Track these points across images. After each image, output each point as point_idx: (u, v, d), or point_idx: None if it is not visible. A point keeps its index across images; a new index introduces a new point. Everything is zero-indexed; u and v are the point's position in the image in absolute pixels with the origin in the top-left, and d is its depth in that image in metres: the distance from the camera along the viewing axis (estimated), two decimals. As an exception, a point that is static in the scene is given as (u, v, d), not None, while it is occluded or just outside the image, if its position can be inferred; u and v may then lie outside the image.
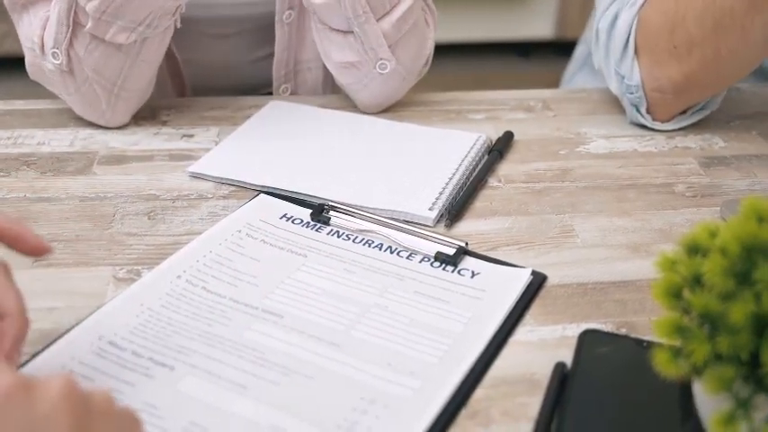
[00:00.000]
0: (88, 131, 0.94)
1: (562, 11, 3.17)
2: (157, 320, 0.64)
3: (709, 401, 0.50)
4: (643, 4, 0.92)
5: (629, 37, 0.93)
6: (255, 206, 0.80)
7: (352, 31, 0.91)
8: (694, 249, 0.51)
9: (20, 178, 0.84)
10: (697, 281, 0.49)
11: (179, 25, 0.90)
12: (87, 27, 0.84)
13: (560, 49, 3.26)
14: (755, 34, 0.85)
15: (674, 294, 0.50)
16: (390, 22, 0.90)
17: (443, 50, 1.01)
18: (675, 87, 0.91)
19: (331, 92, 1.12)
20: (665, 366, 0.48)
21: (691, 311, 0.48)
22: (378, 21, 0.90)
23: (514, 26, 3.26)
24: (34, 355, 0.60)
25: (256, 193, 0.82)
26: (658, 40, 0.90)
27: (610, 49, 0.95)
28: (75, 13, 0.84)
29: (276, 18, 1.02)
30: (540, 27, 3.24)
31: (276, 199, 0.81)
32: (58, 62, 0.87)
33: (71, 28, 0.85)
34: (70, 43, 0.86)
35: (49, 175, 0.85)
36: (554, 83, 1.42)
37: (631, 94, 0.94)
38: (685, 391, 0.54)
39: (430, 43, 0.99)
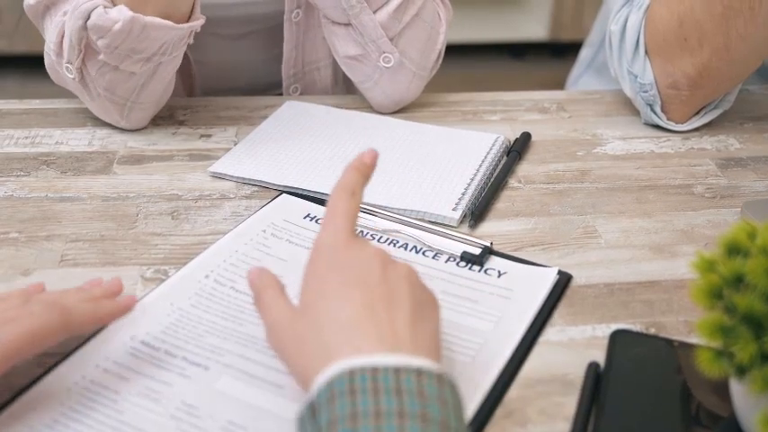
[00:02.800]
0: (106, 131, 0.94)
1: (556, 12, 3.17)
2: (188, 320, 0.64)
3: (749, 401, 0.51)
4: (650, 4, 0.93)
5: (639, 37, 0.93)
6: (278, 206, 0.80)
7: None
8: (734, 250, 0.51)
9: (40, 178, 0.84)
10: (738, 281, 0.50)
11: (191, 41, 0.90)
12: (100, 57, 0.83)
13: (554, 50, 3.28)
14: (764, 14, 0.85)
15: (714, 295, 0.50)
16: (388, 12, 0.90)
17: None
18: (690, 82, 0.92)
19: (342, 92, 1.12)
20: (709, 366, 0.49)
21: (733, 312, 0.49)
22: (375, 12, 0.90)
23: (509, 27, 3.27)
24: (67, 355, 0.60)
25: (278, 192, 0.82)
26: (668, 35, 0.91)
27: (622, 51, 0.96)
28: (88, 39, 0.83)
29: (285, 17, 1.02)
30: (534, 28, 3.25)
31: (299, 199, 0.81)
32: (71, 76, 0.87)
33: (83, 51, 0.84)
34: (83, 62, 0.85)
35: (70, 174, 0.85)
36: (549, 84, 1.43)
37: (645, 92, 0.95)
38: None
39: (441, 38, 0.98)
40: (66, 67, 0.86)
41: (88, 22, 0.81)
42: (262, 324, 0.56)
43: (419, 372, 0.47)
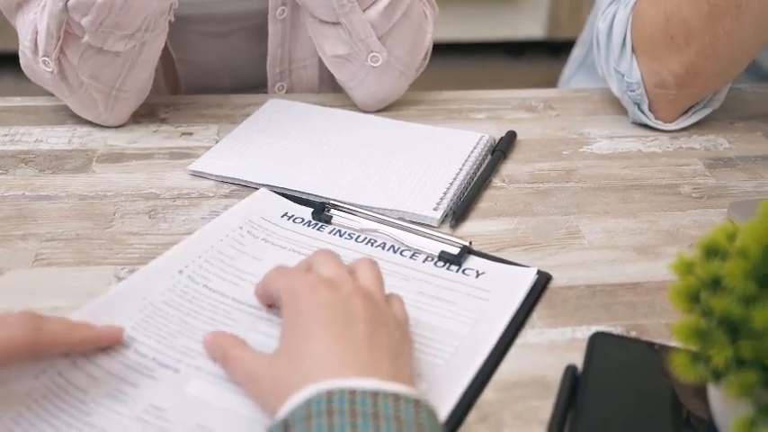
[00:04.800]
0: (86, 129, 0.92)
1: (553, 11, 3.17)
2: (160, 318, 0.63)
3: (726, 406, 0.50)
4: (637, 1, 0.92)
5: (626, 35, 0.92)
6: (257, 201, 0.79)
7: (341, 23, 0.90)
8: (713, 252, 0.50)
9: (18, 176, 0.83)
10: (716, 284, 0.49)
11: (172, 20, 0.89)
12: (84, 39, 0.82)
13: (551, 49, 3.27)
14: (751, 12, 0.84)
15: (692, 298, 0.49)
16: (378, 11, 0.89)
17: (434, 50, 1.00)
18: (677, 80, 0.90)
19: (328, 90, 1.11)
20: (684, 371, 0.48)
21: (710, 315, 0.48)
22: (364, 11, 0.89)
23: (505, 26, 3.26)
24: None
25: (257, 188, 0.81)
26: (654, 33, 0.89)
27: (609, 49, 0.95)
28: (68, 24, 0.82)
29: (269, 15, 1.01)
30: (531, 27, 3.24)
31: (277, 196, 0.80)
32: (49, 70, 0.85)
33: (61, 39, 0.83)
34: (61, 52, 0.84)
35: (48, 172, 0.84)
36: (545, 83, 1.41)
37: (632, 91, 0.93)
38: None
39: (429, 37, 0.98)
40: (44, 61, 0.85)
41: (69, 2, 0.80)
42: (236, 383, 0.57)
43: (396, 396, 0.48)
